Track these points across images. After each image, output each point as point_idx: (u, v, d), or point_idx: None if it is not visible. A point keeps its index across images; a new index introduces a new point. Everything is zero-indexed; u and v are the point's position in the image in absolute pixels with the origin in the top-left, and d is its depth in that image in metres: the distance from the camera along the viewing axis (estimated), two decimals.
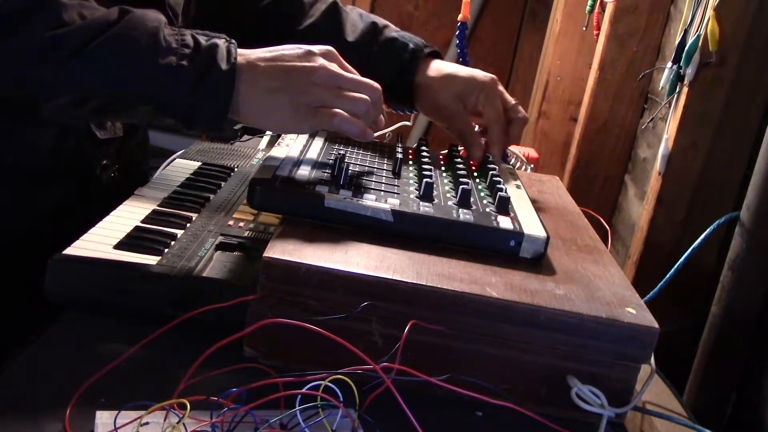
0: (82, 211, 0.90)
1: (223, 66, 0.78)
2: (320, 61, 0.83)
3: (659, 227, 1.24)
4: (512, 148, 1.41)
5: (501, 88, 1.06)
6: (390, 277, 0.68)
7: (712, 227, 1.08)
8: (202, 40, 0.80)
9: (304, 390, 0.58)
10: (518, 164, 1.42)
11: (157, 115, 0.81)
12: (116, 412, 0.57)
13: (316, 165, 0.87)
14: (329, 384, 0.58)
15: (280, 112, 0.81)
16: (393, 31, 1.13)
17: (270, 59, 0.82)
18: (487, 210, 0.82)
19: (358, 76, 0.85)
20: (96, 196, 1.00)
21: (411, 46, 1.10)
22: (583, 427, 0.68)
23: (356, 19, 1.15)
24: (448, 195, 0.84)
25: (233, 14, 1.18)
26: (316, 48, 0.84)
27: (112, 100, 0.79)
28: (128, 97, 0.79)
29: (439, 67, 1.09)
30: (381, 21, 1.15)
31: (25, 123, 0.92)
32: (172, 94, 0.78)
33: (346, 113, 0.82)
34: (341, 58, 0.86)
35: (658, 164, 1.23)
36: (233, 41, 0.82)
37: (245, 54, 0.81)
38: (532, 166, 1.46)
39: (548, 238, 0.77)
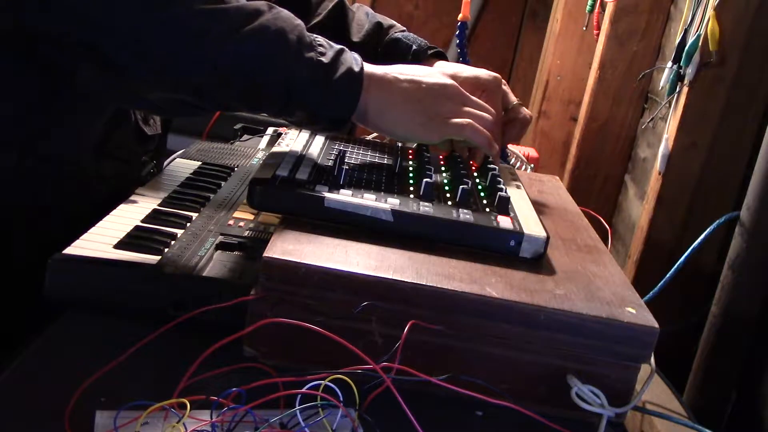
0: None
1: (355, 68, 0.82)
2: (449, 79, 0.89)
3: (659, 227, 1.24)
4: (512, 148, 1.42)
5: (505, 87, 1.05)
6: (390, 277, 0.68)
7: (712, 227, 1.08)
8: (330, 43, 0.83)
9: (304, 390, 0.58)
10: (518, 164, 1.42)
11: (285, 106, 0.82)
12: (116, 412, 0.57)
13: (316, 164, 0.87)
14: (329, 384, 0.58)
15: (413, 119, 0.86)
16: (397, 31, 1.14)
17: (399, 72, 0.87)
18: (487, 210, 0.82)
19: (477, 99, 0.91)
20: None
21: (414, 47, 1.10)
22: (583, 427, 0.68)
23: (362, 18, 1.15)
24: (448, 195, 0.84)
25: None
26: (436, 70, 0.91)
27: (252, 85, 0.80)
28: (269, 82, 0.80)
29: (441, 69, 1.09)
30: (386, 21, 1.16)
31: (75, 119, 0.92)
32: (309, 86, 0.80)
33: (476, 124, 0.87)
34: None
35: (658, 164, 1.23)
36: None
37: (368, 64, 0.84)
38: (532, 166, 1.46)
39: (548, 238, 0.77)
